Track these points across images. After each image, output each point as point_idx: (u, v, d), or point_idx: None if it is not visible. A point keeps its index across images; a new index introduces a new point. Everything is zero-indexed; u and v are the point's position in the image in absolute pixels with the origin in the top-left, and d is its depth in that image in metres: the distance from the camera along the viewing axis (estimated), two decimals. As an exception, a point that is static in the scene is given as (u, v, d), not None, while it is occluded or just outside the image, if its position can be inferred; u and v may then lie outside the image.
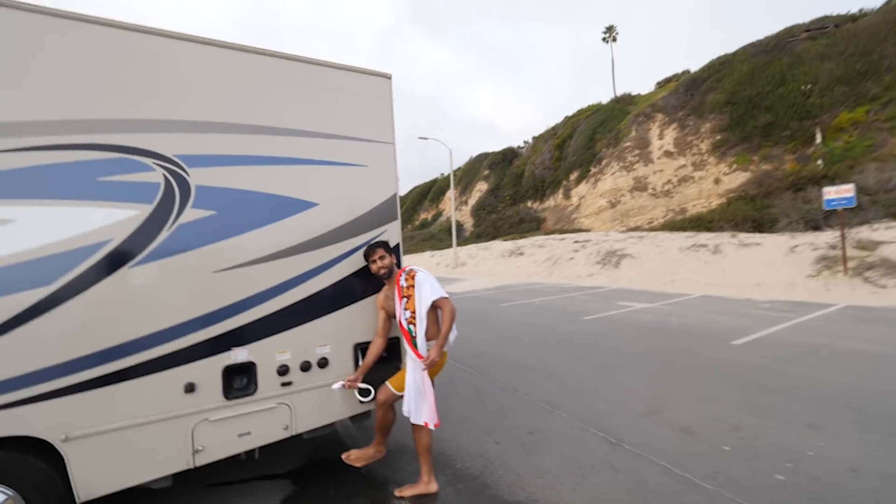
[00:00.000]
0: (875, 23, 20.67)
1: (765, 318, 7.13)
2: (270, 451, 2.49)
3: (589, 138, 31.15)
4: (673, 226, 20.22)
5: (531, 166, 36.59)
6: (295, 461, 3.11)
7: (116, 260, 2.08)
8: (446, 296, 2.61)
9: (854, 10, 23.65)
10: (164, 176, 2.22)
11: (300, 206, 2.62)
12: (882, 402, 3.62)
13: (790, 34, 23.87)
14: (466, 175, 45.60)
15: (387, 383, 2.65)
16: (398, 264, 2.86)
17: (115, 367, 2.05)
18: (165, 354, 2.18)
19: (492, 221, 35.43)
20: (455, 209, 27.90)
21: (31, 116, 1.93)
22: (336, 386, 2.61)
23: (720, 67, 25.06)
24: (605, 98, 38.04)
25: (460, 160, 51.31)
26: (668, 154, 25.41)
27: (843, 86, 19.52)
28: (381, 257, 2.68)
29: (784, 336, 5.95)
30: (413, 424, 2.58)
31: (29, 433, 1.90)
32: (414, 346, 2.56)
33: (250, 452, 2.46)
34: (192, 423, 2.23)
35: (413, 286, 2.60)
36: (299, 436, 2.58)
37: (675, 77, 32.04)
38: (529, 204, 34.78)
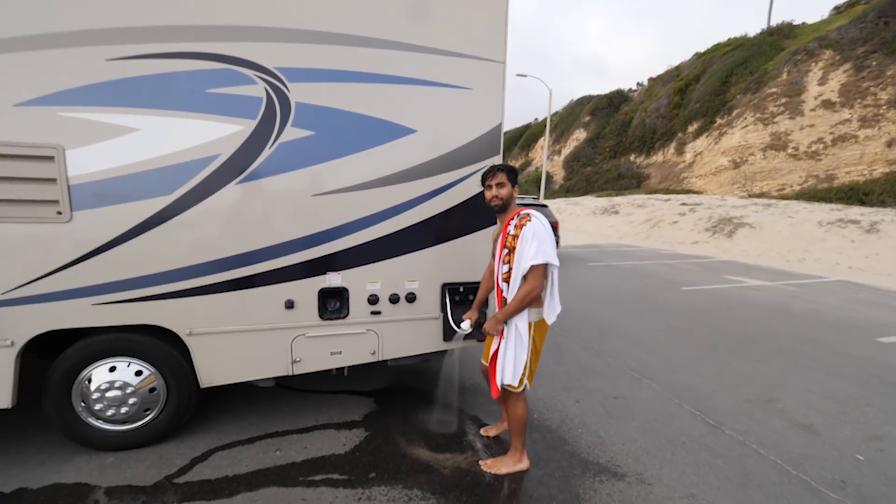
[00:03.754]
0: None
1: (930, 316, 5.79)
2: (358, 371, 2.66)
3: (722, 81, 26.02)
4: (813, 195, 16.94)
5: (642, 113, 32.39)
6: (378, 382, 3.35)
7: (225, 175, 2.20)
8: (545, 262, 2.05)
9: None
10: (266, 90, 2.22)
11: (399, 131, 2.50)
12: None
13: None
14: (564, 121, 42.24)
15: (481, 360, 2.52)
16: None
17: (224, 278, 2.28)
18: (269, 271, 2.35)
19: (586, 175, 32.90)
20: (547, 158, 26.24)
21: (147, 21, 2.02)
22: (465, 326, 2.44)
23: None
24: (754, 30, 30.79)
25: (559, 103, 47.50)
26: (827, 105, 20.55)
27: None
28: (500, 185, 2.17)
29: (958, 341, 4.78)
30: (505, 392, 2.24)
31: (161, 324, 2.25)
32: (502, 306, 2.20)
33: (340, 369, 2.66)
34: (291, 335, 2.44)
35: (518, 238, 2.10)
36: (384, 362, 2.71)
37: None
38: (632, 158, 31.36)
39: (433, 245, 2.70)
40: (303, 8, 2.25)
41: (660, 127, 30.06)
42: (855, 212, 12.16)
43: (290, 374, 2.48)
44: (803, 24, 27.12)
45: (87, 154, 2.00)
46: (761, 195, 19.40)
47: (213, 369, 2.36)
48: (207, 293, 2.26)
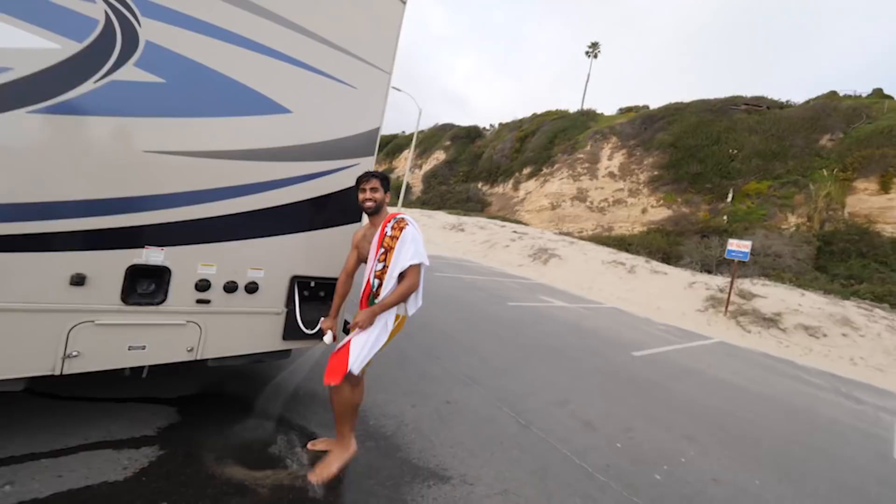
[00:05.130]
0: (794, 115, 23.74)
1: (660, 338, 7.86)
2: (161, 372, 2.09)
3: (549, 140, 31.90)
4: (599, 240, 21.59)
5: (491, 150, 36.59)
6: (187, 388, 2.73)
7: (10, 97, 1.55)
8: (419, 264, 2.16)
9: (784, 98, 27.10)
10: (106, 13, 1.71)
11: (271, 107, 2.20)
12: (740, 426, 4.11)
13: (733, 102, 26.53)
14: (427, 140, 44.38)
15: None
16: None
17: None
18: (55, 232, 1.69)
19: (441, 192, 35.14)
20: (409, 170, 27.06)
21: None
22: (327, 339, 2.26)
23: (674, 112, 27.28)
24: (573, 107, 39.00)
25: (425, 124, 49.81)
26: (611, 175, 26.94)
27: (759, 159, 22.13)
28: (374, 189, 2.26)
29: (673, 356, 6.59)
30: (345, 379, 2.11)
31: None
32: (369, 302, 2.19)
33: (138, 370, 2.04)
34: (71, 321, 1.77)
35: (397, 240, 2.17)
36: (203, 361, 2.20)
37: (636, 109, 33.85)
38: (480, 185, 34.96)
39: (289, 233, 2.38)
40: None
41: (503, 164, 34.67)
42: (623, 256, 15.87)
43: (58, 373, 1.77)
44: (602, 113, 35.37)
45: None
46: (568, 234, 23.73)
47: None
48: None
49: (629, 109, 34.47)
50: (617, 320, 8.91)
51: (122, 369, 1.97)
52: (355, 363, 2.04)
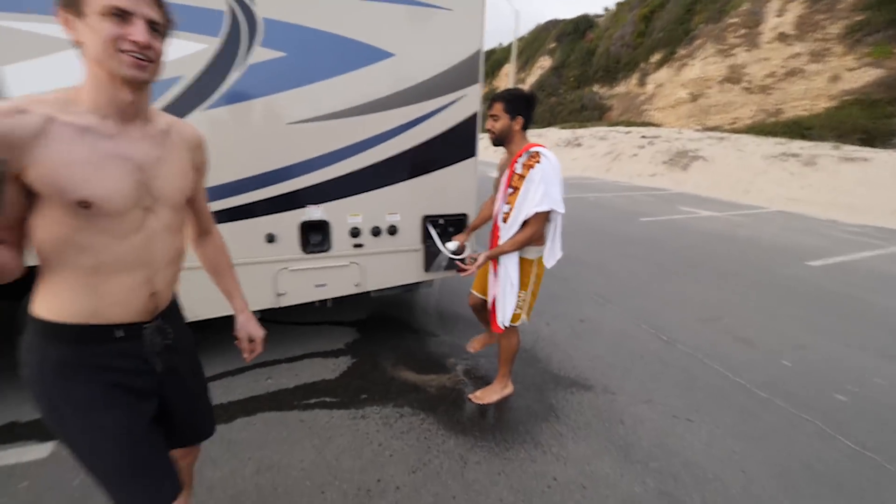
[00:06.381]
0: None
1: (850, 243, 6.49)
2: (340, 302, 2.68)
3: (686, 9, 25.68)
4: (762, 129, 17.65)
5: (606, 42, 31.47)
6: (360, 313, 3.41)
7: (191, 100, 1.99)
8: (548, 210, 1.97)
9: None
10: (228, 3, 1.98)
11: (375, 55, 2.31)
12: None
13: None
14: (529, 47, 40.29)
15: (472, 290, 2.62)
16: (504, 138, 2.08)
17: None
18: (247, 203, 2.22)
19: (550, 106, 32.29)
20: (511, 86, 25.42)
21: None
22: (451, 245, 2.46)
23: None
24: None
25: (525, 27, 44.86)
26: (782, 37, 20.82)
27: None
28: (494, 117, 2.01)
29: (870, 263, 5.44)
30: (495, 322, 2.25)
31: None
32: (497, 244, 2.15)
33: (323, 301, 2.65)
34: (275, 269, 2.38)
35: (525, 178, 1.97)
36: (367, 293, 2.72)
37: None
38: (596, 88, 30.96)
39: (413, 177, 2.61)
40: None
41: (624, 56, 29.53)
42: (797, 145, 12.86)
43: (276, 306, 2.45)
44: (773, -52, 26.29)
45: (25, 72, 1.72)
46: (715, 128, 20.00)
47: (198, 304, 2.27)
48: None
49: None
50: (785, 226, 7.58)
51: (313, 302, 2.58)
52: (502, 319, 2.19)
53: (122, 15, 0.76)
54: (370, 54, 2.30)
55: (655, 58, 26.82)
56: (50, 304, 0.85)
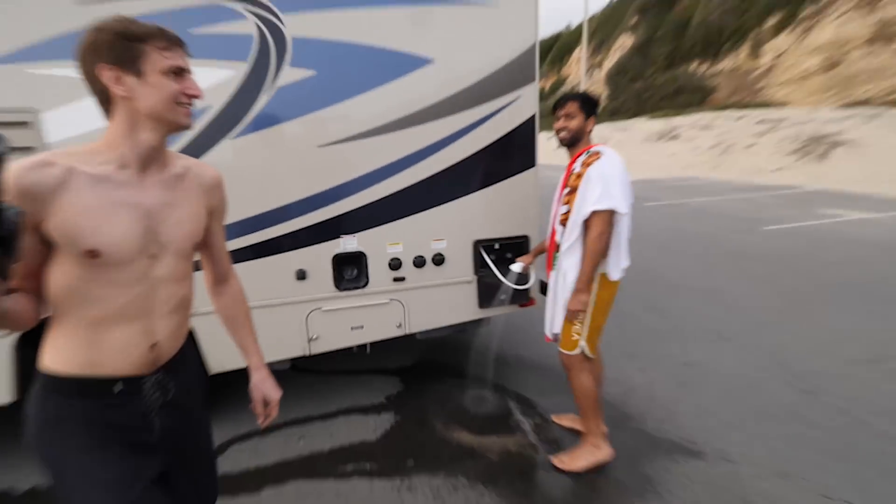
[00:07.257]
0: None
1: None
2: (381, 347, 2.76)
3: (808, -42, 24.37)
4: (932, 98, 15.91)
5: (704, 8, 30.50)
6: (404, 359, 3.47)
7: (219, 130, 2.22)
8: (607, 210, 2.02)
9: None
10: (258, 25, 2.21)
11: (410, 62, 2.46)
12: None
13: None
14: (603, 26, 40.10)
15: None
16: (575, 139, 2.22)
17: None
18: (275, 237, 2.39)
19: (635, 92, 31.61)
20: (584, 74, 25.29)
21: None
22: (516, 267, 2.55)
23: None
24: None
25: (597, 3, 44.90)
26: (950, -24, 18.91)
27: None
28: (569, 116, 2.18)
29: None
30: (564, 360, 2.26)
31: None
32: (554, 256, 2.30)
33: (362, 347, 2.74)
34: (306, 310, 2.51)
35: (582, 178, 2.10)
36: (412, 335, 2.77)
37: None
38: (694, 66, 29.86)
39: (461, 196, 2.67)
40: None
41: (728, 24, 28.27)
42: None
43: (308, 353, 2.56)
44: None
45: (65, 116, 2.01)
46: (864, 102, 18.29)
47: (222, 354, 2.46)
48: None
49: None
50: (981, 227, 6.65)
51: (350, 347, 2.67)
52: (551, 325, 2.29)
53: (179, 72, 0.97)
54: (406, 63, 2.45)
55: (771, 21, 25.35)
56: (53, 355, 0.98)
